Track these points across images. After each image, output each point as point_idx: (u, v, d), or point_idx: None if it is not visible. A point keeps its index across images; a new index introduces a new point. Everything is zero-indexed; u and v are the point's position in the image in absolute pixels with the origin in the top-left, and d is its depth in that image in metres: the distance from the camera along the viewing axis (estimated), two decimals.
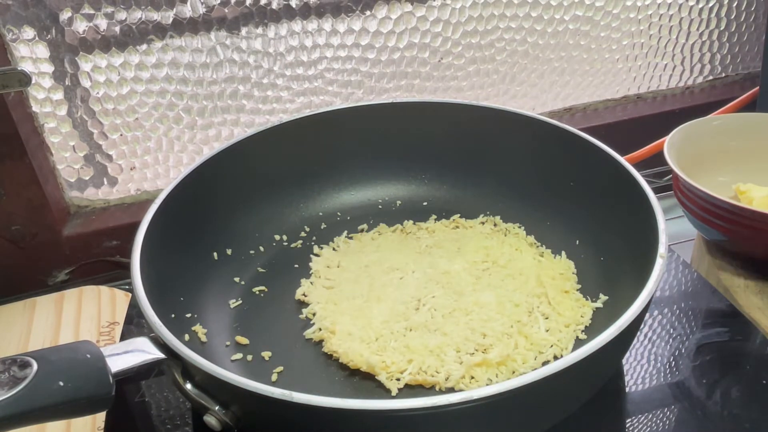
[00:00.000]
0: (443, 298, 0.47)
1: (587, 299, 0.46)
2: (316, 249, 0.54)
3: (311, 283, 0.50)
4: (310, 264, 0.52)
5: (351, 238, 0.55)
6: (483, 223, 0.54)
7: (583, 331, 0.44)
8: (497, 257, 0.50)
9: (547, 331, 0.44)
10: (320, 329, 0.46)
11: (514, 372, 0.41)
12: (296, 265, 0.52)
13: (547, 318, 0.45)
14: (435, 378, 0.41)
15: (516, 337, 0.43)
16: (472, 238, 0.52)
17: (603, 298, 0.46)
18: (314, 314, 0.47)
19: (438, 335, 0.44)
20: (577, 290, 0.47)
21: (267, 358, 0.44)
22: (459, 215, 0.55)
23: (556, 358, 0.42)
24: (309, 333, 0.46)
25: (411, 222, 0.55)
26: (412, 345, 0.43)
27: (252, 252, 0.53)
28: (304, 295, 0.49)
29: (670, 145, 0.55)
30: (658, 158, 0.56)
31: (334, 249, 0.54)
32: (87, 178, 0.62)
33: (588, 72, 0.72)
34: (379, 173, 0.58)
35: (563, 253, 0.50)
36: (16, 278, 0.60)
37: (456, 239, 0.52)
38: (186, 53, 0.59)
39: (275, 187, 0.55)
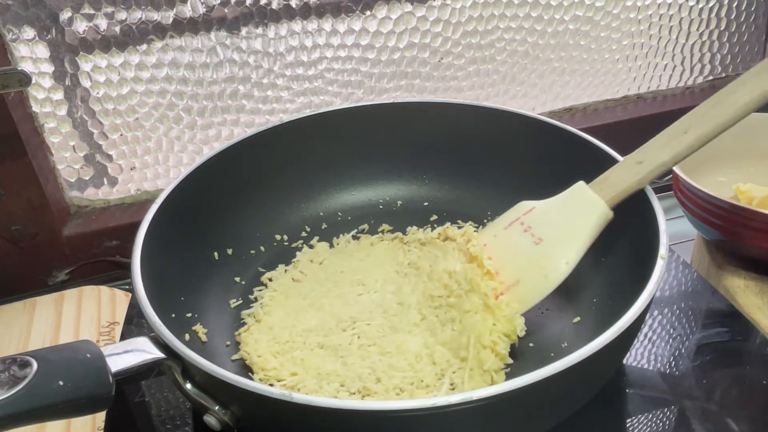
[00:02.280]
0: (376, 329, 0.45)
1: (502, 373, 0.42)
2: (314, 241, 0.54)
3: (285, 270, 0.51)
4: (298, 253, 0.52)
5: (357, 238, 0.55)
6: (463, 235, 0.50)
7: None
8: (455, 288, 0.45)
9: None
10: (253, 315, 0.47)
11: None
12: None
13: (453, 389, 0.41)
14: None
15: (406, 396, 0.40)
16: (446, 258, 0.48)
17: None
18: (261, 298, 0.48)
19: (338, 363, 0.42)
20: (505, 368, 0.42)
21: None
22: (450, 224, 0.54)
23: None
24: (245, 313, 0.47)
25: (415, 228, 0.54)
26: (308, 362, 0.42)
27: (253, 252, 0.53)
28: (269, 279, 0.50)
29: None
30: None
31: (330, 246, 0.54)
32: (87, 178, 0.62)
33: (588, 72, 0.72)
34: (379, 173, 0.58)
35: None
36: (16, 278, 0.60)
37: (434, 257, 0.50)
38: (186, 53, 0.59)
39: (276, 187, 0.55)
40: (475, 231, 0.50)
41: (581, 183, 0.45)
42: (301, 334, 0.44)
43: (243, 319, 0.47)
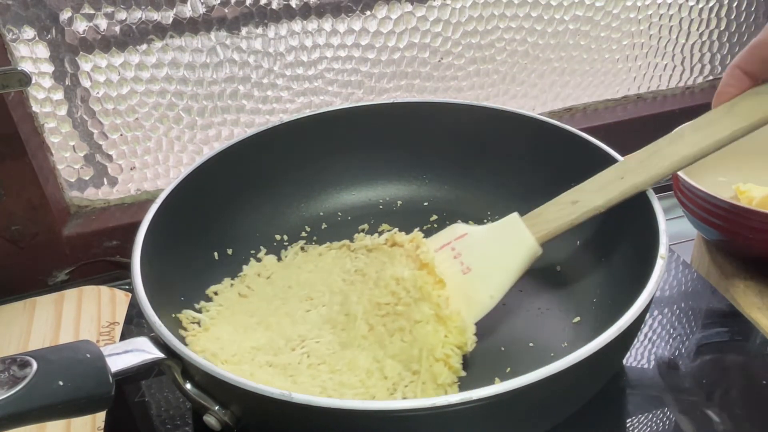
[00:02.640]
0: (325, 346, 0.43)
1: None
2: (261, 254, 0.52)
3: (231, 285, 0.49)
4: (244, 266, 0.51)
5: (304, 249, 0.53)
6: (412, 241, 0.48)
7: None
8: (402, 295, 0.43)
9: None
10: (198, 322, 0.44)
11: None
12: None
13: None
14: None
15: None
16: (393, 264, 0.47)
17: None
18: (207, 310, 0.46)
19: (288, 381, 0.41)
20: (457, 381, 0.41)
21: None
22: (398, 229, 0.51)
23: None
24: (185, 315, 0.44)
25: (362, 234, 0.53)
26: (257, 376, 0.40)
27: (253, 252, 0.53)
28: (215, 293, 0.48)
29: None
30: None
31: (279, 259, 0.52)
32: (87, 178, 0.62)
33: (588, 72, 0.72)
34: (379, 173, 0.58)
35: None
36: (16, 278, 0.60)
37: (381, 263, 0.48)
38: (186, 53, 0.59)
39: (276, 187, 0.55)
40: (423, 238, 0.48)
41: (515, 215, 0.45)
42: (249, 352, 0.43)
43: (183, 323, 0.44)
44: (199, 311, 0.46)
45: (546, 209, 0.45)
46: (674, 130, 0.44)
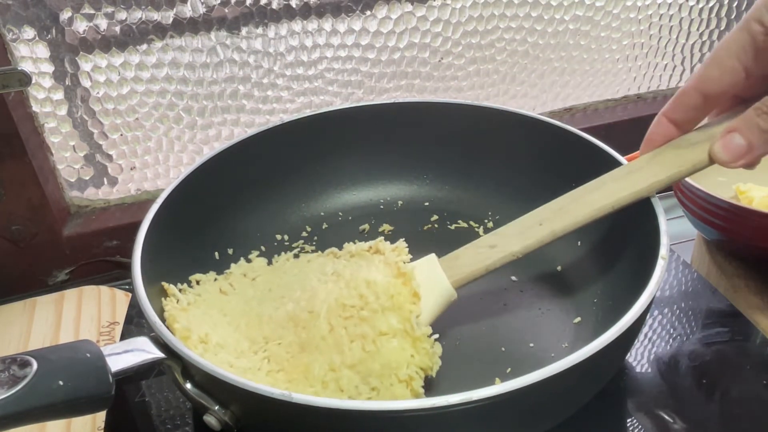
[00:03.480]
0: (285, 348, 0.41)
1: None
2: (252, 255, 0.51)
3: (215, 279, 0.48)
4: (233, 264, 0.50)
5: (297, 256, 0.51)
6: (394, 250, 0.46)
7: None
8: (371, 300, 0.41)
9: None
10: (171, 309, 0.42)
11: None
12: None
13: None
14: None
15: None
16: (368, 268, 0.45)
17: None
18: (185, 293, 0.45)
19: None
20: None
21: None
22: (383, 238, 0.48)
23: None
24: (169, 288, 0.43)
25: (353, 243, 0.49)
26: None
27: (254, 252, 0.53)
28: (197, 282, 0.47)
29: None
30: None
31: (269, 263, 0.50)
32: (87, 178, 0.62)
33: (588, 72, 0.72)
34: (380, 173, 0.58)
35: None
36: (16, 278, 0.60)
37: (359, 266, 0.46)
38: (186, 53, 0.59)
39: (276, 187, 0.55)
40: (407, 248, 0.46)
41: (432, 256, 0.44)
42: (214, 347, 0.41)
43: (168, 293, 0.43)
44: (181, 291, 0.45)
45: (464, 252, 0.44)
46: (597, 178, 0.43)
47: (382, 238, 0.48)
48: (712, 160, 0.40)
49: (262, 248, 0.53)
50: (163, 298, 0.43)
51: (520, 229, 0.43)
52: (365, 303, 0.41)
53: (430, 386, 0.42)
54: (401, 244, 0.46)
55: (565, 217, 0.43)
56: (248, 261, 0.51)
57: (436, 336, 0.41)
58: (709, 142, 0.40)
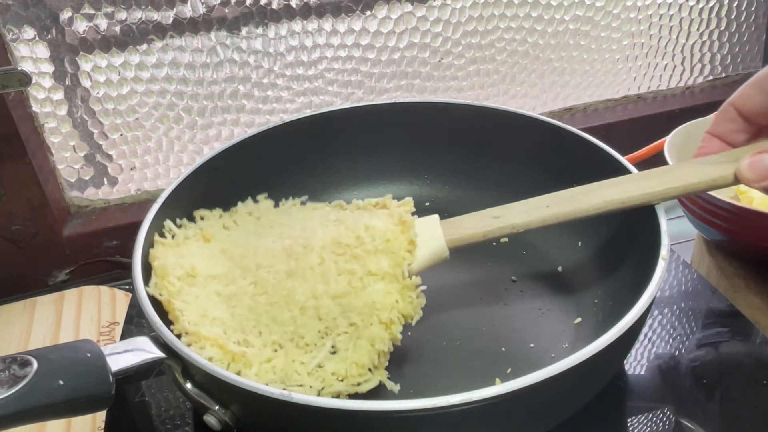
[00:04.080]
0: (273, 275, 0.41)
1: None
2: (261, 197, 0.51)
3: (220, 216, 0.48)
4: (239, 202, 0.50)
5: (304, 203, 0.51)
6: (400, 206, 0.46)
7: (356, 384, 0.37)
8: (366, 240, 0.42)
9: (320, 367, 0.38)
10: (171, 233, 0.44)
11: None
12: None
13: (334, 352, 0.38)
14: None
15: (276, 357, 0.38)
16: (372, 217, 0.45)
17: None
18: (186, 228, 0.45)
19: (227, 312, 0.40)
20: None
21: None
22: (391, 196, 0.49)
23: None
24: (166, 224, 0.44)
25: (359, 199, 0.50)
26: (200, 301, 0.40)
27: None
28: (201, 217, 0.47)
29: (670, 145, 0.55)
30: (658, 158, 0.56)
31: (276, 206, 0.51)
32: (87, 178, 0.62)
33: (588, 72, 0.72)
34: (380, 173, 0.58)
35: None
36: (16, 278, 0.60)
37: (361, 215, 0.46)
38: (186, 53, 0.59)
39: (277, 187, 0.55)
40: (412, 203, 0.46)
41: (435, 216, 0.45)
42: (204, 278, 0.42)
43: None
44: (179, 227, 0.46)
45: (466, 218, 0.45)
46: (613, 179, 0.44)
47: (390, 195, 0.49)
48: (736, 180, 0.40)
49: (265, 193, 0.52)
50: (156, 234, 0.43)
51: (527, 207, 0.44)
52: (360, 243, 0.42)
53: (431, 386, 0.42)
54: (408, 199, 0.47)
55: (572, 204, 0.43)
56: (255, 201, 0.51)
57: (424, 287, 0.41)
58: (734, 163, 0.40)
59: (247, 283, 0.42)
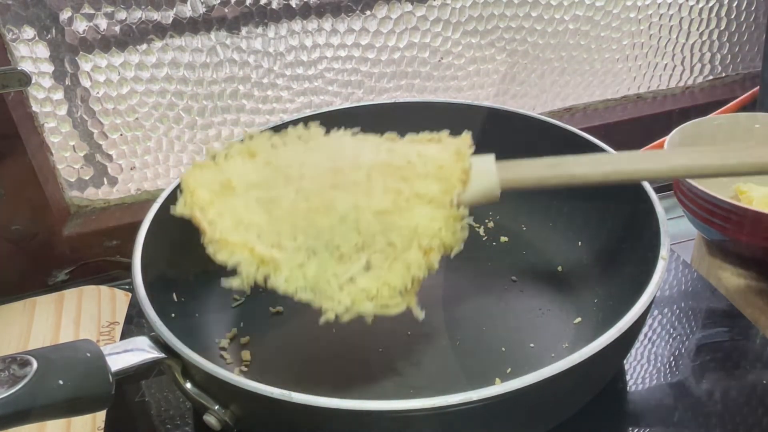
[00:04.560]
0: (316, 184, 0.40)
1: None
2: (312, 123, 0.48)
3: (270, 137, 0.45)
4: (290, 126, 0.47)
5: (355, 134, 0.48)
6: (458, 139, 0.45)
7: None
8: (418, 165, 0.40)
9: (351, 281, 0.36)
10: (212, 154, 0.42)
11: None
12: None
13: (368, 269, 0.37)
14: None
15: (308, 264, 0.36)
16: (426, 146, 0.44)
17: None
18: (230, 147, 0.43)
19: (264, 215, 0.38)
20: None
21: None
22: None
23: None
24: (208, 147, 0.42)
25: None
26: (237, 208, 0.38)
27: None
28: (250, 137, 0.45)
29: (670, 145, 0.55)
30: None
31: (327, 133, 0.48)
32: (87, 177, 0.62)
33: (588, 72, 0.72)
34: None
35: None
36: (16, 278, 0.60)
37: (414, 144, 0.45)
38: (186, 53, 0.59)
39: None
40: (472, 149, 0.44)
41: (492, 156, 0.42)
42: (244, 188, 0.40)
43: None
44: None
45: (524, 162, 0.42)
46: (694, 147, 0.42)
47: (448, 131, 0.46)
48: None
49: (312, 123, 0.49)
50: (195, 158, 0.41)
51: (587, 161, 0.42)
52: (411, 167, 0.40)
53: (430, 386, 0.42)
54: (466, 133, 0.45)
55: (637, 164, 0.41)
56: (306, 126, 0.48)
57: (470, 219, 0.39)
58: None
59: (290, 189, 0.39)
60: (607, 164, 0.41)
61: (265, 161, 0.42)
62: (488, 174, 0.41)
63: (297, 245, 0.37)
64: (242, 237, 0.37)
